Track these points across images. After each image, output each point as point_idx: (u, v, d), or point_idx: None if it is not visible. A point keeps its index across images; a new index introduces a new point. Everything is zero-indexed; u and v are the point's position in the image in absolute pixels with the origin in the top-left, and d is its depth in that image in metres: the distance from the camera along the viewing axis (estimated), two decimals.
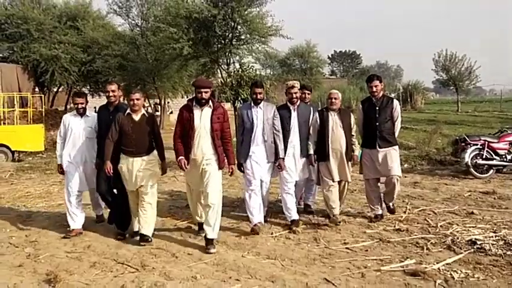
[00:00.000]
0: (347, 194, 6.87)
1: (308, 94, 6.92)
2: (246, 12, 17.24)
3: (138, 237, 5.61)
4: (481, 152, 9.61)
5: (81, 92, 6.45)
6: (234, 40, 17.87)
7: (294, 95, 6.27)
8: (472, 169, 9.53)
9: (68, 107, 25.91)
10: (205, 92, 5.32)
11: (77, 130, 6.03)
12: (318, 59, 46.25)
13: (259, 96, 6.01)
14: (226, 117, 5.58)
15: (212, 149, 5.41)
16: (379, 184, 6.58)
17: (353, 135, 6.36)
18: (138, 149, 5.55)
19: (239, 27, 17.77)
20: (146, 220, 5.55)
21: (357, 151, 6.38)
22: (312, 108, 6.52)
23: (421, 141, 13.78)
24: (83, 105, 6.07)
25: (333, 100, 6.31)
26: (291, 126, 6.25)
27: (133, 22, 24.56)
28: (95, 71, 23.90)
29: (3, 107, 16.67)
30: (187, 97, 31.76)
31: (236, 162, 5.92)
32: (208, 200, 5.30)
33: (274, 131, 6.05)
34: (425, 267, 4.57)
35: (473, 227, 5.89)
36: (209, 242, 5.30)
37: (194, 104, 5.42)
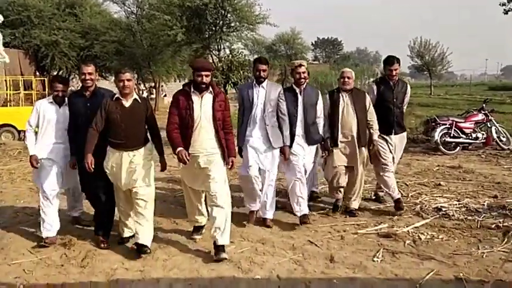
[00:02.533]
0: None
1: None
2: (235, 1, 17.32)
3: (126, 244, 4.68)
4: (449, 131, 9.94)
5: (62, 77, 5.19)
6: (225, 27, 17.92)
7: (302, 75, 5.16)
8: (441, 146, 9.86)
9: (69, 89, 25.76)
10: (206, 76, 4.24)
11: (54, 120, 4.76)
12: (302, 45, 46.13)
13: (262, 74, 4.98)
14: (228, 104, 4.57)
15: (215, 142, 4.38)
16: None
17: (370, 119, 5.41)
18: (129, 141, 4.33)
19: (229, 15, 17.81)
20: (143, 227, 4.41)
21: (376, 135, 5.44)
22: (319, 91, 5.44)
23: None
24: (64, 93, 4.81)
25: (346, 79, 5.36)
26: (298, 110, 5.18)
27: (129, 9, 24.26)
28: (93, 56, 23.71)
29: (9, 90, 16.65)
30: (179, 81, 31.77)
31: (237, 151, 4.85)
32: (217, 201, 4.28)
33: (280, 115, 5.03)
34: (396, 230, 4.89)
35: (439, 196, 6.22)
36: (220, 248, 4.25)
37: (192, 89, 4.33)
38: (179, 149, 4.27)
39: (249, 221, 5.20)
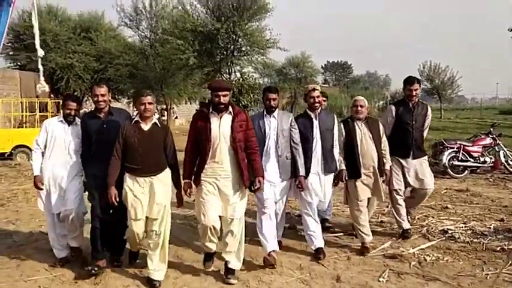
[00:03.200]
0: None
1: (324, 101, 5.70)
2: (246, 26, 17.76)
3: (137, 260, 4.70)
4: (457, 155, 10.02)
5: (75, 96, 5.00)
6: (236, 52, 18.33)
7: (316, 99, 4.93)
8: (449, 169, 9.92)
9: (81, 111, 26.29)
10: (224, 96, 4.13)
11: (62, 140, 4.60)
12: (312, 69, 46.56)
13: (273, 103, 4.76)
14: (250, 124, 4.34)
15: (235, 164, 4.19)
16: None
17: (383, 148, 5.22)
18: (146, 166, 4.18)
19: (240, 39, 18.26)
20: (158, 259, 4.29)
21: (388, 165, 5.27)
22: (334, 115, 5.23)
23: None
24: (76, 112, 4.68)
25: (359, 108, 5.13)
26: (314, 136, 4.89)
27: (142, 34, 24.91)
28: (106, 79, 24.25)
29: (25, 112, 17.08)
30: (190, 103, 32.25)
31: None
32: (233, 227, 4.22)
33: (293, 144, 4.78)
34: (402, 251, 4.98)
35: (446, 219, 6.28)
36: (230, 271, 4.29)
37: (211, 110, 4.21)
38: (186, 180, 4.27)
39: (268, 263, 4.60)
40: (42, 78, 2.87)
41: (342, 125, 5.20)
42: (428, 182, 5.52)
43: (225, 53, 18.32)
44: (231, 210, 4.21)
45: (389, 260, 4.78)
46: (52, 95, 24.96)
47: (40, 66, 4.27)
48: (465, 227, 5.88)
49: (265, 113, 4.84)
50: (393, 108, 5.56)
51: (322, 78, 72.27)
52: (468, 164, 10.00)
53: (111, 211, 4.50)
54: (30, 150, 13.83)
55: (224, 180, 4.19)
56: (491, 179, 9.66)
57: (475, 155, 10.07)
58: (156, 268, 4.26)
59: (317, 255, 4.82)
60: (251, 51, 18.34)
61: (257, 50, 18.23)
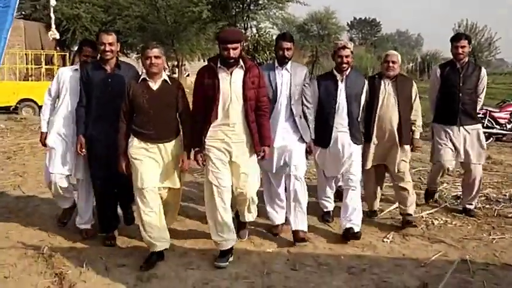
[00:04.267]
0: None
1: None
2: None
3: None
4: (483, 121, 10.13)
5: (93, 41, 4.58)
6: (252, 5, 18.37)
7: (345, 59, 4.52)
8: None
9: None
10: (234, 49, 3.75)
11: (75, 91, 4.37)
12: (336, 26, 45.91)
13: (286, 53, 4.35)
14: (263, 81, 4.03)
15: (246, 127, 3.91)
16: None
17: (414, 113, 4.92)
18: (158, 131, 3.87)
19: None
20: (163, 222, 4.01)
21: (418, 133, 4.96)
22: (365, 79, 4.84)
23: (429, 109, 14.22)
24: (93, 59, 4.42)
25: (390, 64, 4.79)
26: (338, 103, 4.55)
27: None
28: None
29: (30, 64, 17.48)
30: (203, 60, 32.27)
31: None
32: (245, 194, 4.05)
33: (305, 102, 4.49)
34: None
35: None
36: (242, 225, 4.41)
37: (219, 64, 3.86)
38: (196, 149, 3.94)
39: (275, 233, 4.65)
40: (53, 26, 3.10)
41: (366, 82, 4.83)
42: (475, 155, 5.14)
43: (240, 6, 18.37)
44: (242, 184, 3.98)
45: (396, 223, 5.05)
46: (58, 48, 25.35)
47: (52, 15, 4.43)
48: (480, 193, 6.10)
49: (276, 64, 4.45)
50: (438, 69, 5.35)
51: (347, 36, 71.22)
52: (493, 131, 10.12)
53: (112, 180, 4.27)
54: (36, 104, 14.53)
55: (236, 145, 3.89)
56: None
57: (502, 121, 10.18)
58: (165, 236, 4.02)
59: (352, 235, 4.45)
60: (269, 4, 18.36)
61: (275, 3, 18.19)
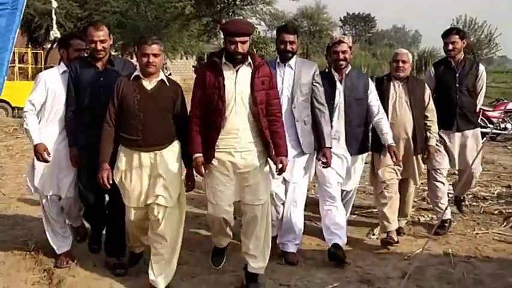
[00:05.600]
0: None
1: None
2: None
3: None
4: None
5: (81, 36, 4.22)
6: (238, 0, 18.70)
7: (341, 56, 4.29)
8: None
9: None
10: (243, 43, 3.44)
11: (64, 98, 3.97)
12: (327, 21, 46.69)
13: (289, 47, 4.09)
14: (274, 81, 3.75)
15: (255, 134, 3.59)
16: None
17: (429, 118, 4.73)
18: (148, 137, 3.53)
19: None
20: (160, 263, 3.69)
21: (433, 141, 4.74)
22: (369, 79, 4.57)
23: None
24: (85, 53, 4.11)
25: (400, 64, 4.58)
26: (335, 105, 4.32)
27: None
28: (89, 22, 24.72)
29: None
30: (186, 58, 32.60)
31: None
32: (250, 214, 3.66)
33: (316, 104, 4.17)
34: None
35: (450, 184, 6.94)
36: (251, 276, 3.77)
37: (224, 60, 3.55)
38: (196, 155, 3.56)
39: (290, 261, 4.32)
40: (55, 26, 3.37)
41: (373, 85, 4.60)
42: (473, 162, 4.87)
43: (226, 1, 18.75)
44: (251, 194, 3.63)
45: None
46: (30, 45, 25.57)
47: (54, 16, 4.49)
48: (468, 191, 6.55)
49: (278, 60, 4.20)
50: (432, 69, 5.19)
51: (340, 32, 72.10)
52: (487, 130, 10.61)
53: (106, 196, 4.08)
54: (9, 105, 14.74)
55: (241, 155, 3.57)
56: (510, 147, 10.30)
57: (495, 120, 10.68)
58: (158, 274, 3.68)
59: (335, 251, 4.22)
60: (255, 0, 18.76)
61: None
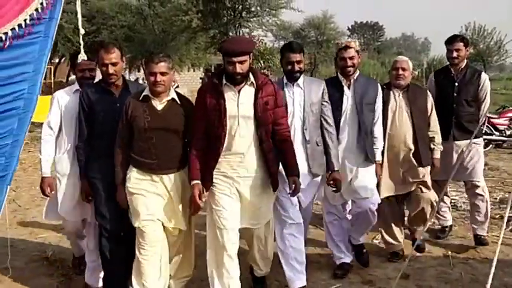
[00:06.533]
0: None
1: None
2: None
3: None
4: (481, 127, 10.85)
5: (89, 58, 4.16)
6: (244, 12, 19.15)
7: (349, 62, 4.12)
8: None
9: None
10: (241, 63, 3.32)
11: (78, 120, 3.82)
12: (335, 31, 46.85)
13: (297, 68, 3.89)
14: (280, 99, 3.59)
15: (259, 158, 3.50)
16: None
17: (432, 129, 4.60)
18: (160, 161, 3.46)
19: None
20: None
21: (438, 153, 4.60)
22: (378, 86, 4.37)
23: None
24: (92, 75, 4.01)
25: (400, 72, 4.44)
26: (343, 113, 4.15)
27: None
28: (99, 43, 25.24)
29: None
30: (193, 70, 33.04)
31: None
32: (255, 234, 3.74)
33: (324, 124, 4.01)
34: None
35: (454, 190, 7.18)
36: (258, 280, 3.99)
37: (224, 81, 3.44)
38: (194, 182, 3.44)
39: None
40: (82, 50, 3.61)
41: None
42: (471, 172, 4.92)
43: (232, 13, 19.13)
44: (255, 219, 3.62)
45: None
46: None
47: (81, 41, 4.38)
48: None
49: (285, 80, 4.00)
50: (432, 78, 5.16)
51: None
52: (492, 137, 10.84)
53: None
54: None
55: (245, 180, 3.51)
56: None
57: (501, 128, 10.89)
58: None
59: (338, 271, 4.35)
60: (261, 11, 19.14)
61: (268, 10, 19.01)
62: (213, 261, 3.60)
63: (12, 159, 3.06)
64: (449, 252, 4.85)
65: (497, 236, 5.27)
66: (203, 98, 3.48)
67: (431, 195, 4.52)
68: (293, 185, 3.53)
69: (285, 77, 4.02)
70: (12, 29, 2.96)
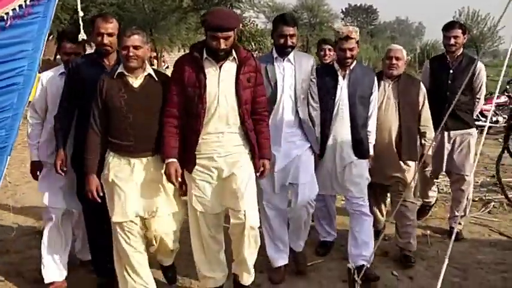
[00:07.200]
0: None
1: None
2: None
3: None
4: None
5: (71, 33, 3.94)
6: None
7: (349, 53, 3.92)
8: None
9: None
10: (226, 38, 3.15)
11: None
12: (328, 13, 46.86)
13: (289, 42, 3.71)
14: (260, 77, 3.45)
15: (240, 137, 3.38)
16: None
17: (423, 122, 4.41)
18: (138, 142, 3.29)
19: None
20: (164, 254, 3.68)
21: (429, 148, 4.35)
22: (375, 77, 4.17)
23: None
24: (77, 57, 3.77)
25: (393, 61, 4.28)
26: (336, 102, 3.98)
27: None
28: (88, 21, 25.09)
29: None
30: (184, 51, 32.86)
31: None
32: (247, 222, 3.28)
33: (311, 102, 3.91)
34: None
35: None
36: None
37: (205, 55, 3.26)
38: (169, 160, 3.26)
39: (273, 279, 4.04)
40: (82, 31, 3.61)
41: None
42: (460, 165, 4.87)
43: None
44: (236, 199, 3.31)
45: None
46: None
47: (81, 22, 4.31)
48: None
49: (275, 55, 3.82)
50: (427, 65, 5.10)
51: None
52: (479, 123, 11.06)
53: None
54: None
55: (225, 159, 3.34)
56: (501, 140, 10.75)
57: (487, 113, 11.12)
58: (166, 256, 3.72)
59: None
60: None
61: None
62: (197, 245, 3.55)
63: (12, 131, 3.24)
64: (428, 232, 5.11)
65: (475, 217, 5.57)
66: (181, 72, 3.29)
67: (408, 195, 4.36)
68: (262, 168, 3.47)
69: (274, 51, 3.85)
70: (13, 9, 3.14)
